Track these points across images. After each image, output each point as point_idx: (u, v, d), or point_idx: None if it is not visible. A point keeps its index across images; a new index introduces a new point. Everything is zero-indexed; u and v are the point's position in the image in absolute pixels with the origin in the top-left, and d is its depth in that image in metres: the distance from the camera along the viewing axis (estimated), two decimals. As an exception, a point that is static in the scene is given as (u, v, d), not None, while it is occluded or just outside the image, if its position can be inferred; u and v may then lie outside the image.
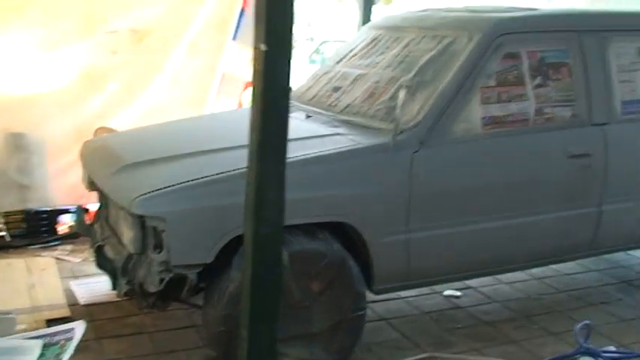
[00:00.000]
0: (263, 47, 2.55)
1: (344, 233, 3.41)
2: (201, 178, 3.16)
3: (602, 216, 4.03)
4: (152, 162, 3.45)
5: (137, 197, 3.08)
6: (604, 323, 4.23)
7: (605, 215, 4.03)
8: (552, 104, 3.85)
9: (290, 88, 2.66)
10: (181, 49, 5.34)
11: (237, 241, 3.03)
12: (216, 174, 3.18)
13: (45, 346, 2.02)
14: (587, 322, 3.85)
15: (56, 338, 2.07)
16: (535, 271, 4.84)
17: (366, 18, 5.60)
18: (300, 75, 5.03)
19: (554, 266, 4.78)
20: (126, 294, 3.37)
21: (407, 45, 3.98)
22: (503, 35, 3.72)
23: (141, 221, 3.10)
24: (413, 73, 3.68)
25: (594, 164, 3.93)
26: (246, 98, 5.66)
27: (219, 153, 3.47)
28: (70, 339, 2.06)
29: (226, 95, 5.58)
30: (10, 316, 3.45)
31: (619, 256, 5.19)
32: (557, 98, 3.86)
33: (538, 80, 3.81)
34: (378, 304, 4.27)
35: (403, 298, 4.44)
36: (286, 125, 2.67)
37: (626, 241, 4.34)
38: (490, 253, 3.82)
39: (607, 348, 3.85)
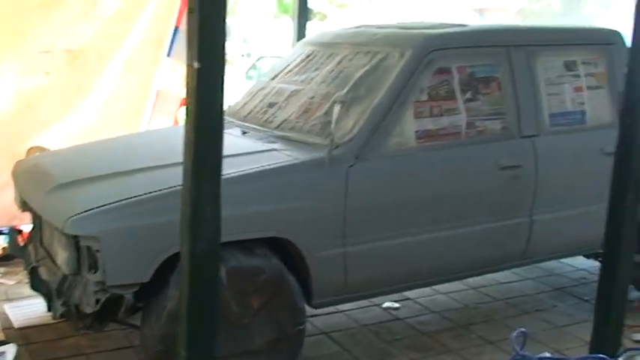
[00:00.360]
0: (196, 65, 2.54)
1: (282, 248, 3.43)
2: (136, 196, 3.14)
3: (534, 226, 4.12)
4: (86, 181, 3.41)
5: (70, 217, 3.04)
6: (539, 330, 4.34)
7: (537, 225, 4.13)
8: (483, 117, 3.94)
9: (223, 106, 2.66)
10: (116, 67, 5.30)
11: (174, 259, 3.01)
12: (152, 192, 3.17)
13: (-25, 371, 1.97)
14: (523, 329, 3.93)
15: None
16: (472, 280, 4.93)
17: (300, 34, 5.64)
18: (237, 91, 5.03)
19: (490, 275, 4.87)
20: (62, 316, 3.32)
21: (341, 61, 4.03)
22: (434, 51, 3.80)
23: (75, 241, 3.06)
24: (347, 88, 3.73)
25: (525, 175, 4.03)
26: (181, 115, 5.64)
27: (155, 171, 3.45)
28: None
29: (162, 112, 5.55)
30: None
31: (552, 264, 5.32)
32: (487, 112, 3.96)
33: (469, 94, 3.90)
34: (318, 318, 4.30)
35: (342, 311, 4.48)
36: (221, 142, 2.66)
37: (558, 249, 4.45)
38: (426, 264, 3.87)
39: (542, 355, 3.93)
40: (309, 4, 6.08)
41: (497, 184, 3.97)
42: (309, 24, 5.90)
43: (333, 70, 4.01)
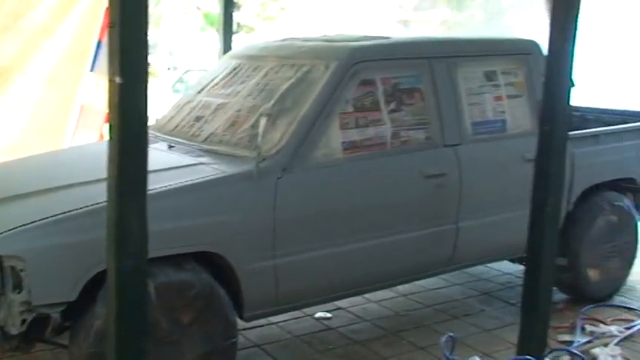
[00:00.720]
0: (118, 79, 2.53)
1: (212, 262, 3.42)
2: (60, 214, 3.09)
3: (460, 232, 4.22)
4: (8, 199, 3.34)
5: (-8, 237, 2.97)
6: (468, 334, 4.43)
7: (462, 232, 4.22)
8: (407, 128, 4.01)
9: (147, 120, 2.64)
10: (39, 82, 5.21)
11: (102, 276, 2.97)
12: (76, 209, 3.12)
13: None
14: (452, 334, 4.02)
15: None
16: (402, 288, 5.00)
17: (227, 47, 5.64)
18: (164, 105, 5.00)
19: (419, 282, 4.95)
20: (-14, 338, 3.22)
21: (267, 74, 4.06)
22: (359, 63, 3.85)
23: (-2, 261, 2.99)
24: (273, 101, 3.75)
25: (449, 183, 4.12)
26: (106, 130, 5.57)
27: (79, 187, 3.40)
28: None
29: (86, 127, 5.47)
30: None
31: (479, 269, 5.43)
32: (411, 122, 4.03)
33: (393, 105, 3.97)
34: (251, 330, 4.29)
35: (275, 323, 4.49)
36: (145, 158, 2.65)
37: (484, 255, 4.55)
38: (356, 273, 3.91)
39: (471, 358, 4.04)
40: (236, 18, 6.09)
41: (422, 192, 4.04)
42: (235, 37, 5.90)
43: (259, 83, 4.03)
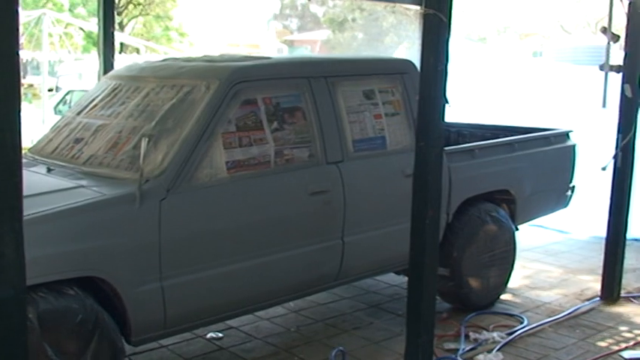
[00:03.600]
0: (-12, 102, 2.46)
1: (96, 286, 3.35)
2: None
3: (346, 247, 4.31)
4: None
5: None
6: (358, 347, 4.52)
7: (348, 246, 4.32)
8: (291, 146, 4.08)
9: (21, 143, 2.57)
10: None
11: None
12: (-52, 238, 2.99)
13: None
14: (341, 348, 4.10)
15: None
16: (293, 304, 5.06)
17: (108, 67, 5.54)
18: (45, 127, 4.86)
19: (310, 298, 5.03)
20: None
21: (147, 94, 4.03)
22: (240, 83, 3.90)
23: None
24: (154, 122, 3.74)
25: (333, 199, 4.21)
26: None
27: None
28: None
29: None
30: None
31: (368, 282, 5.57)
32: (294, 140, 4.10)
33: (275, 124, 4.03)
34: (140, 355, 4.22)
35: (165, 346, 4.44)
36: (20, 182, 2.56)
37: (370, 268, 4.66)
38: (245, 291, 3.92)
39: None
40: (119, 38, 6.00)
41: (307, 209, 4.11)
42: (118, 57, 5.81)
43: (139, 104, 4.00)
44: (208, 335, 4.64)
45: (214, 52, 5.13)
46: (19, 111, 2.53)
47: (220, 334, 4.66)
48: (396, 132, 4.63)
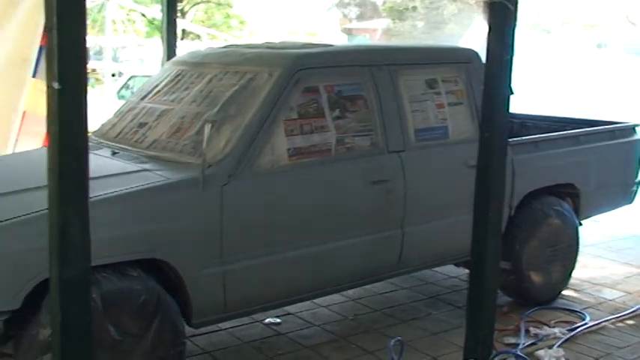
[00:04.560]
0: (56, 85, 2.50)
1: (158, 269, 3.40)
2: (1, 221, 3.04)
3: (405, 237, 4.27)
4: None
5: None
6: (416, 338, 4.48)
7: (408, 236, 4.28)
8: (352, 134, 4.05)
9: (87, 126, 2.61)
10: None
11: (46, 284, 2.92)
12: (17, 217, 3.07)
13: None
14: (400, 338, 4.07)
15: None
16: (351, 292, 5.03)
17: (170, 53, 5.61)
18: (108, 111, 4.95)
19: (368, 287, 5.02)
20: None
21: (210, 80, 4.06)
22: (302, 70, 3.89)
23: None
24: (217, 108, 3.74)
25: (394, 189, 4.17)
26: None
27: (21, 194, 3.35)
28: None
29: (29, 134, 5.39)
30: None
31: (426, 272, 5.52)
32: (356, 128, 4.07)
33: (337, 112, 4.01)
34: (199, 337, 4.27)
35: (224, 329, 4.48)
36: (86, 164, 2.62)
37: (430, 259, 4.61)
38: (303, 279, 3.93)
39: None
40: (181, 25, 6.07)
41: (367, 198, 4.08)
42: (180, 44, 5.88)
43: (203, 90, 4.02)
44: (266, 320, 4.66)
45: (275, 39, 5.13)
46: (85, 95, 2.58)
47: (278, 320, 4.68)
48: (459, 122, 4.56)
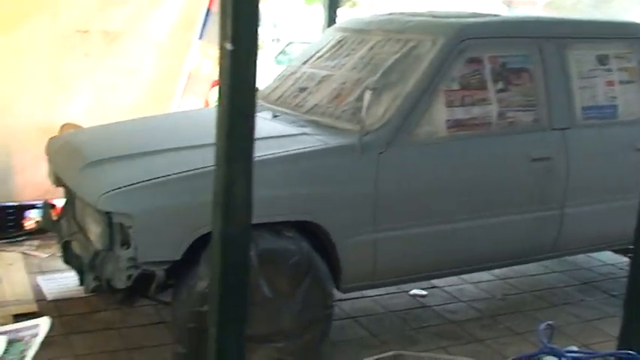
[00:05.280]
0: (229, 46, 2.56)
1: (312, 232, 3.45)
2: (169, 175, 3.19)
3: (564, 219, 4.11)
4: (118, 159, 3.46)
5: (104, 194, 3.10)
6: (567, 324, 4.32)
7: (568, 218, 4.11)
8: (514, 109, 3.93)
9: (257, 87, 2.68)
10: (149, 49, 5.37)
11: (206, 237, 3.04)
12: (184, 172, 3.21)
13: (9, 343, 2.00)
14: (551, 322, 3.92)
15: (20, 334, 2.05)
16: (499, 271, 4.93)
17: (331, 20, 5.65)
18: (266, 76, 5.07)
19: (517, 267, 4.86)
20: (93, 290, 3.37)
21: (372, 47, 4.04)
22: (466, 40, 3.79)
23: (108, 218, 3.11)
24: (378, 75, 3.73)
25: (556, 167, 4.01)
26: (212, 97, 5.69)
27: (187, 151, 3.49)
28: (34, 335, 2.03)
29: (193, 94, 5.61)
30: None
31: (580, 258, 5.29)
32: (519, 103, 3.94)
33: (500, 85, 3.89)
34: (345, 302, 4.32)
35: (370, 296, 4.50)
36: (253, 124, 2.69)
37: (589, 243, 4.43)
38: (454, 253, 3.88)
39: (570, 348, 3.93)
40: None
41: (527, 175, 3.96)
42: (339, 10, 5.90)
43: (364, 57, 4.02)
44: (412, 292, 4.65)
45: (439, 7, 5.04)
46: (256, 56, 2.63)
47: (424, 292, 4.66)
48: (630, 101, 4.30)
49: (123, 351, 3.69)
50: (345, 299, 4.25)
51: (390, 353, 3.83)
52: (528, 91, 3.98)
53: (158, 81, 5.46)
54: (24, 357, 1.93)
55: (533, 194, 4.00)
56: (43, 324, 2.05)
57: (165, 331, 3.86)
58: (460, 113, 3.76)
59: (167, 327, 3.87)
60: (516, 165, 3.93)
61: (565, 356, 3.70)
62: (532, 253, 4.24)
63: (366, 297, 4.48)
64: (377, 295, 4.52)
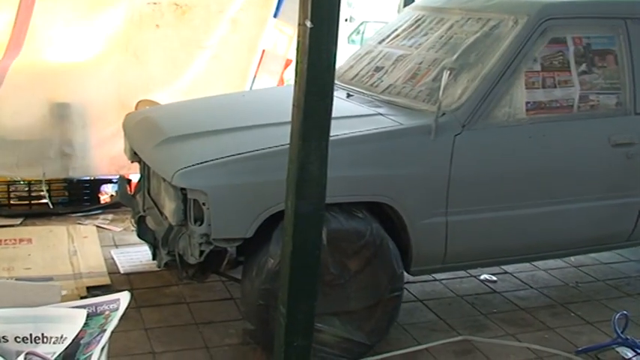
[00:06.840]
0: (309, 24, 2.53)
1: (383, 213, 3.42)
2: (244, 153, 3.19)
3: (644, 207, 3.97)
4: (194, 136, 3.48)
5: (179, 170, 3.12)
6: (642, 314, 4.20)
7: (647, 206, 3.98)
8: (597, 92, 3.80)
9: (335, 65, 2.64)
10: (223, 24, 5.36)
11: (278, 216, 3.05)
12: (259, 150, 3.21)
13: (89, 316, 2.03)
14: (625, 312, 3.82)
15: (100, 308, 2.07)
16: (572, 258, 4.83)
17: (407, 0, 5.55)
18: (341, 55, 5.01)
19: (591, 255, 4.77)
20: (166, 264, 3.43)
21: (451, 27, 3.96)
22: (550, 20, 3.67)
23: (182, 194, 3.14)
24: (457, 55, 3.65)
25: (638, 154, 3.87)
26: (286, 76, 5.68)
27: (262, 129, 3.49)
28: (114, 310, 2.05)
29: (267, 72, 5.60)
30: (56, 284, 3.52)
31: (658, 247, 5.12)
32: (602, 86, 3.82)
33: (583, 67, 3.77)
34: (414, 285, 4.29)
35: (439, 280, 4.46)
36: (330, 103, 2.66)
37: (667, 232, 4.27)
38: (527, 239, 3.80)
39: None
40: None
41: (608, 161, 3.84)
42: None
43: (442, 36, 3.94)
44: (482, 277, 4.57)
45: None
46: (336, 34, 2.59)
47: (494, 278, 4.58)
48: None
49: (192, 325, 3.74)
50: (414, 282, 4.22)
51: (459, 338, 3.80)
52: (612, 74, 3.85)
53: (232, 57, 5.46)
54: (104, 330, 1.95)
55: (613, 181, 3.89)
56: (123, 299, 2.07)
57: (235, 307, 3.91)
58: (540, 95, 3.66)
59: (236, 303, 3.91)
60: (597, 150, 3.82)
61: (640, 348, 3.60)
62: (608, 242, 4.13)
63: (434, 280, 4.44)
64: (446, 279, 4.47)
